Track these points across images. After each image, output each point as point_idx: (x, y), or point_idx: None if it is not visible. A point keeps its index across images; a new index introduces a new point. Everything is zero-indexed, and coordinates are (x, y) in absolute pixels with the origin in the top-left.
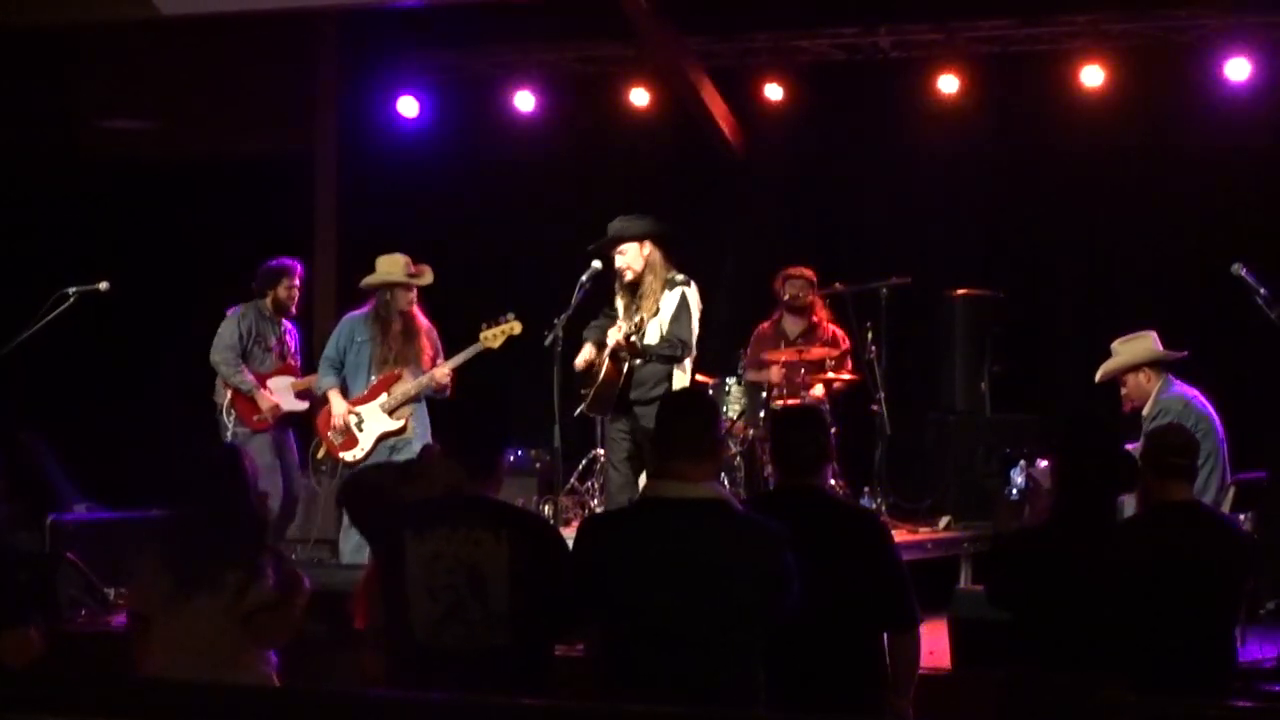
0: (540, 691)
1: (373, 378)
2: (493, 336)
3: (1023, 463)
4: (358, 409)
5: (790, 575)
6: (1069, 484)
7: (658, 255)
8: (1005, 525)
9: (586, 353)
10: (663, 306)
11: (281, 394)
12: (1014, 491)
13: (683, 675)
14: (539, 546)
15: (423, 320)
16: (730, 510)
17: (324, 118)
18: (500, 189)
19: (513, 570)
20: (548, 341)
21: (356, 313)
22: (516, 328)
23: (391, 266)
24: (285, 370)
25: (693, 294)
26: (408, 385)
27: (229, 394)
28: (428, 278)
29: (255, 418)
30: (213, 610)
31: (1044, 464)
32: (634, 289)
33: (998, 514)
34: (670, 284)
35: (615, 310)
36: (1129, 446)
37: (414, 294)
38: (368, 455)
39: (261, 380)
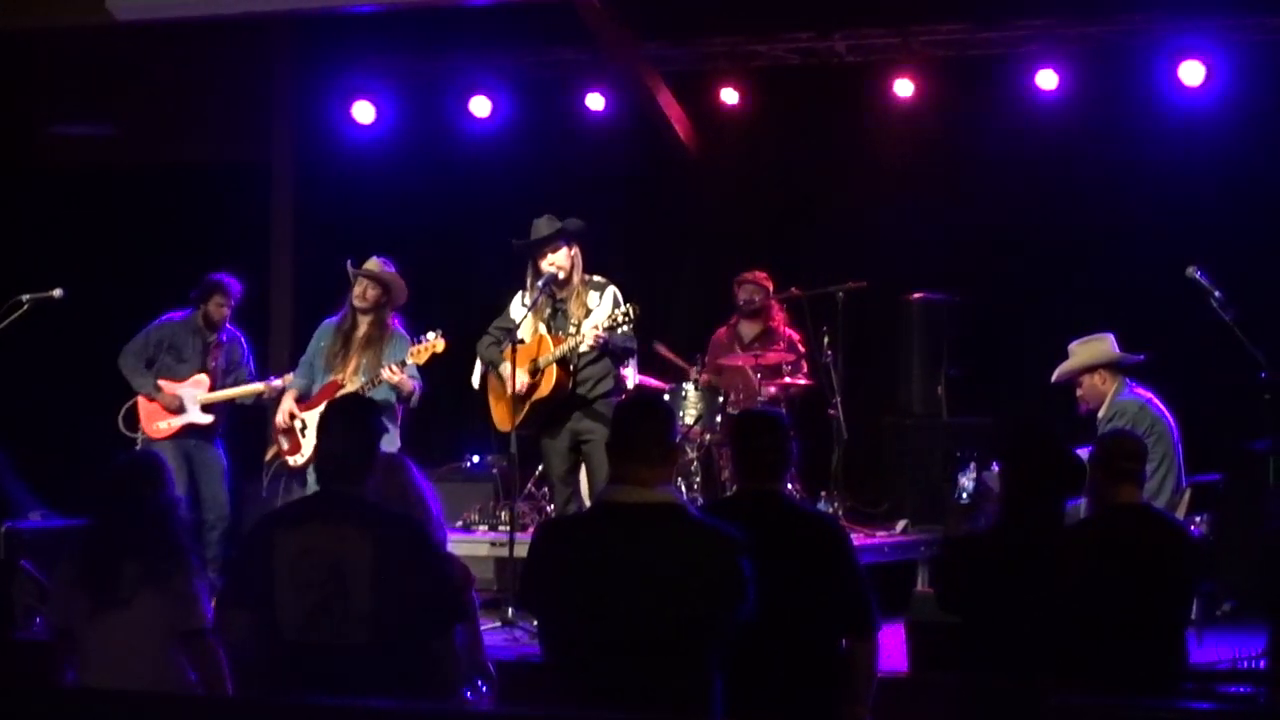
0: (409, 691)
1: (323, 384)
2: (417, 354)
3: (971, 466)
4: (303, 414)
5: (746, 581)
6: (1017, 489)
7: (580, 258)
8: (955, 529)
9: (520, 374)
10: (593, 306)
11: (188, 400)
12: (963, 495)
13: (637, 682)
14: (404, 546)
15: (394, 330)
16: (686, 515)
17: (280, 123)
18: (456, 194)
19: (375, 569)
20: (503, 349)
21: (331, 319)
22: (439, 345)
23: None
24: (197, 382)
25: (619, 293)
26: (348, 391)
27: (132, 401)
28: (369, 264)
29: (156, 425)
30: (133, 626)
31: (997, 468)
32: (556, 291)
33: (947, 518)
34: (594, 285)
35: (511, 319)
36: (1081, 450)
37: (364, 291)
38: (309, 461)
39: (171, 388)
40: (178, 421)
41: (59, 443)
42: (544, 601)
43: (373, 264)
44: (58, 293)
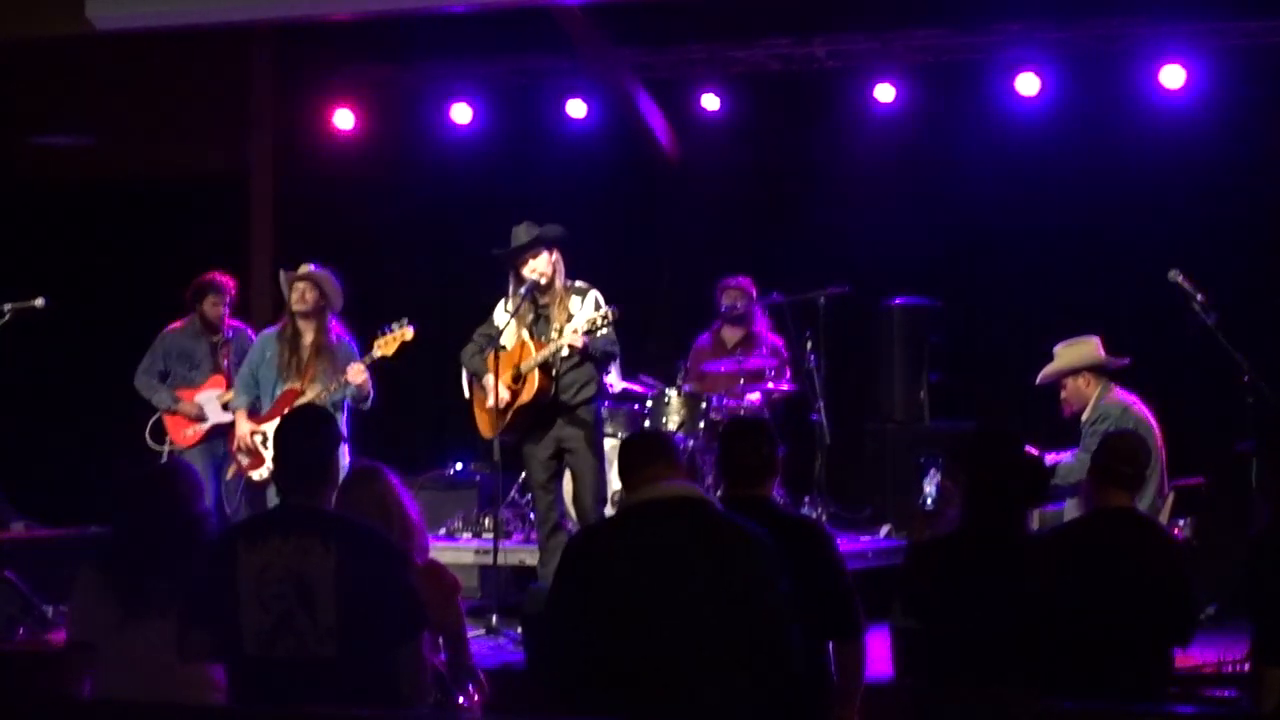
0: (376, 703)
1: (277, 394)
2: (385, 344)
3: (934, 471)
4: (262, 427)
5: (781, 570)
6: (977, 494)
7: (562, 264)
8: (917, 534)
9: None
10: (575, 311)
11: (208, 404)
12: (926, 500)
13: (684, 677)
14: (368, 557)
15: (336, 336)
16: (712, 507)
17: (259, 132)
18: (437, 202)
19: (340, 581)
20: (485, 356)
21: (270, 329)
22: (408, 334)
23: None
24: (214, 383)
25: (600, 297)
26: (307, 399)
27: (157, 415)
28: (302, 269)
29: (183, 433)
30: (162, 638)
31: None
32: (539, 297)
33: (910, 523)
34: (576, 290)
35: (495, 326)
36: (1062, 455)
37: (303, 294)
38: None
39: (190, 395)
40: (204, 426)
41: (41, 453)
42: (580, 609)
43: (305, 269)
44: (40, 302)
